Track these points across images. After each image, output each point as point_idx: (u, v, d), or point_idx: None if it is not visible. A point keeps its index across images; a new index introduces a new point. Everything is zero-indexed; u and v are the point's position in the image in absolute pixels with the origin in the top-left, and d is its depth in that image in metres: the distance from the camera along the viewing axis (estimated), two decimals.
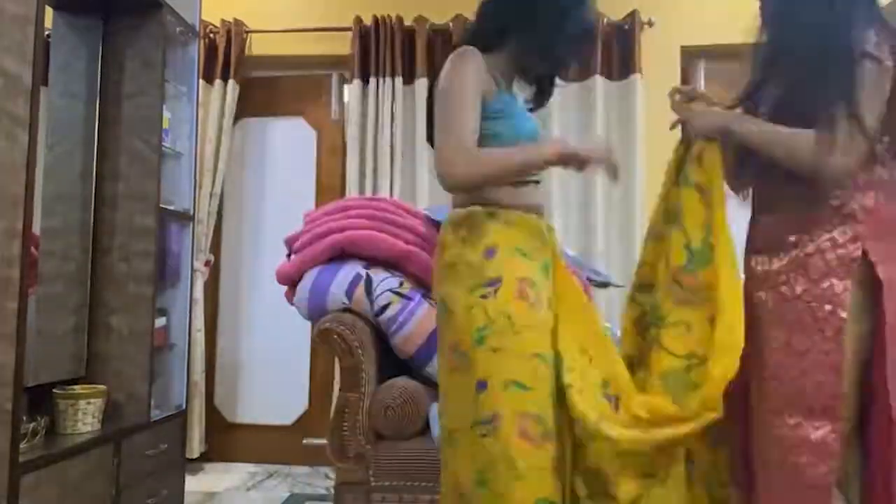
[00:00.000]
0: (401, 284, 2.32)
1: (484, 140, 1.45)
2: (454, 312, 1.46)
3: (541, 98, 1.69)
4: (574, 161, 1.47)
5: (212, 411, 3.59)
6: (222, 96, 3.55)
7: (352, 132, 3.48)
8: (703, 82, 3.56)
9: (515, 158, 1.46)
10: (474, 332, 1.42)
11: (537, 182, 1.58)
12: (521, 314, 1.42)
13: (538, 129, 1.59)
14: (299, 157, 3.74)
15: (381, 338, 2.32)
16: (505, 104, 1.52)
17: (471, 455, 1.43)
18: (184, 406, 2.64)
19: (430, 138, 1.55)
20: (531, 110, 1.67)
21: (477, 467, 1.41)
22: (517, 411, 1.39)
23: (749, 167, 1.49)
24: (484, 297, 1.43)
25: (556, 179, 3.37)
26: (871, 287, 1.33)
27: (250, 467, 3.50)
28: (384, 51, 3.46)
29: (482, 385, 1.41)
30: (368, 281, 2.30)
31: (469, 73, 1.46)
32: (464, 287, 1.45)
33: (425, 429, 2.17)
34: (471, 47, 1.51)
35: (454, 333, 1.46)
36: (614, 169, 1.55)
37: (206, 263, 3.49)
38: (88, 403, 2.14)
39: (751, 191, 1.55)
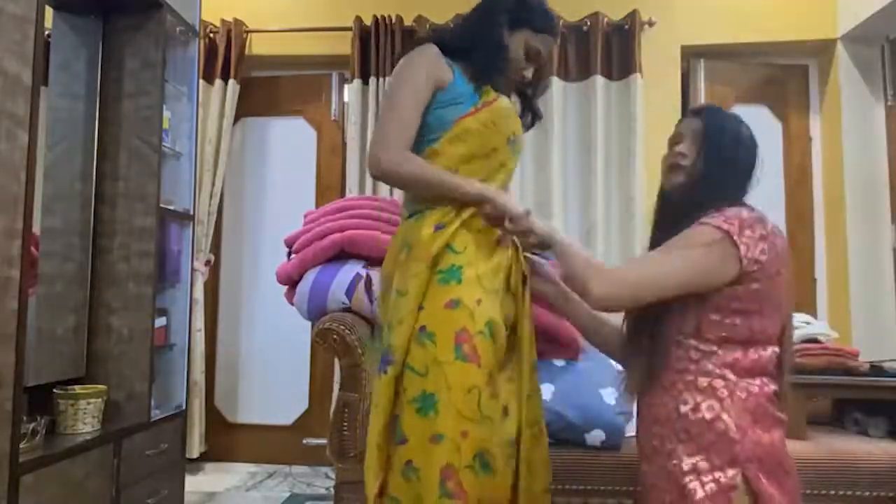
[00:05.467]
0: None
1: (430, 129, 1.47)
2: None
3: (527, 117, 1.66)
4: (490, 207, 1.43)
5: (212, 411, 3.59)
6: (222, 96, 3.55)
7: (352, 132, 3.48)
8: (703, 82, 3.56)
9: (438, 176, 1.45)
10: None
11: None
12: None
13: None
14: (299, 156, 3.74)
15: None
16: (457, 94, 1.48)
17: None
18: (184, 406, 2.64)
19: None
20: (527, 129, 1.64)
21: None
22: None
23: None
24: None
25: (557, 179, 3.37)
26: None
27: (250, 467, 3.50)
28: (384, 51, 3.45)
29: None
30: (368, 281, 2.29)
31: (411, 75, 1.47)
32: None
33: None
34: (427, 44, 1.50)
35: None
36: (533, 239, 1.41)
37: (207, 263, 3.49)
38: (88, 403, 2.13)
39: None
